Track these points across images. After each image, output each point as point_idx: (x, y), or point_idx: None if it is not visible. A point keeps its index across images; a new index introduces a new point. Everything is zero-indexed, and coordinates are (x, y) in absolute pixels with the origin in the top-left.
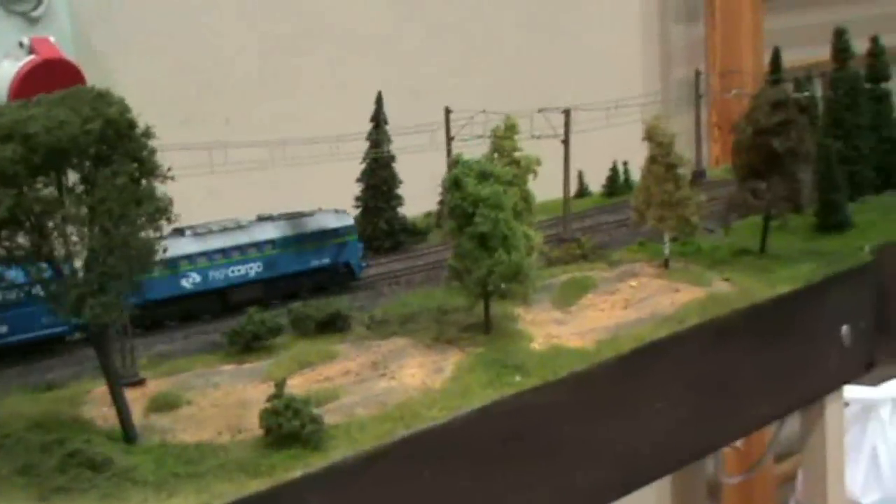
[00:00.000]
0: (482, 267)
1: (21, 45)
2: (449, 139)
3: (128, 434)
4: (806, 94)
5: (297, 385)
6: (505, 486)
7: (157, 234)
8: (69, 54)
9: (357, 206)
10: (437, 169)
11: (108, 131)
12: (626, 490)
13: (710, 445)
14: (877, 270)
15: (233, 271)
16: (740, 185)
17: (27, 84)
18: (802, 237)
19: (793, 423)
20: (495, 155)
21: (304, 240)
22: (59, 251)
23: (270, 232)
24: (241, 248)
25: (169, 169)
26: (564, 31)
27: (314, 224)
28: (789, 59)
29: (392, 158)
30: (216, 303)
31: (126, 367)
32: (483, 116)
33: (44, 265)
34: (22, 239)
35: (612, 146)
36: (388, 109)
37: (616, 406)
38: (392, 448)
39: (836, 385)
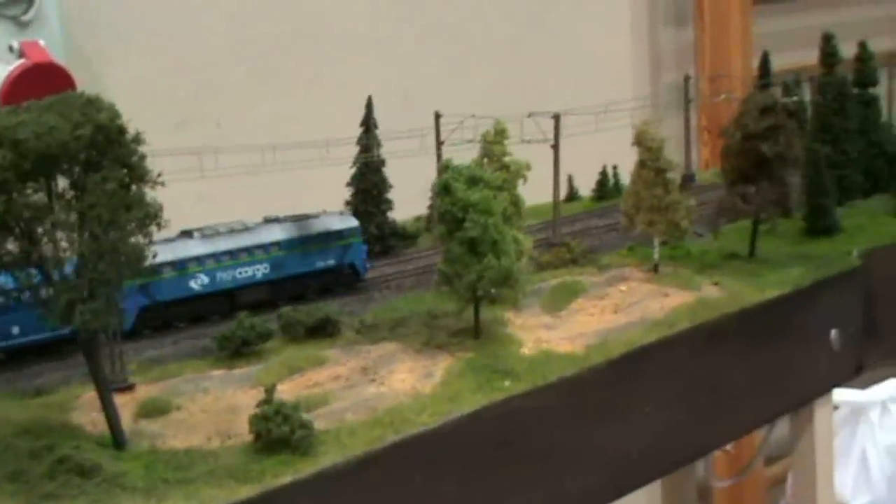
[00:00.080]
0: (472, 272)
1: (11, 48)
2: (439, 143)
3: (117, 440)
4: (794, 98)
5: (286, 390)
6: (495, 492)
7: (147, 240)
8: (59, 58)
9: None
10: (427, 173)
11: (98, 137)
12: (617, 494)
13: (700, 449)
14: (865, 274)
15: (240, 273)
16: (729, 189)
17: (17, 88)
18: (791, 241)
19: (783, 427)
20: (485, 159)
21: (310, 241)
22: (49, 257)
23: (277, 234)
24: (248, 250)
25: (159, 174)
26: (554, 35)
27: (319, 226)
28: (778, 62)
29: (382, 163)
30: (224, 304)
31: (115, 372)
32: (473, 121)
33: (33, 271)
34: (11, 245)
35: (602, 150)
36: (379, 113)
37: (606, 410)
38: (382, 453)
39: (825, 388)
